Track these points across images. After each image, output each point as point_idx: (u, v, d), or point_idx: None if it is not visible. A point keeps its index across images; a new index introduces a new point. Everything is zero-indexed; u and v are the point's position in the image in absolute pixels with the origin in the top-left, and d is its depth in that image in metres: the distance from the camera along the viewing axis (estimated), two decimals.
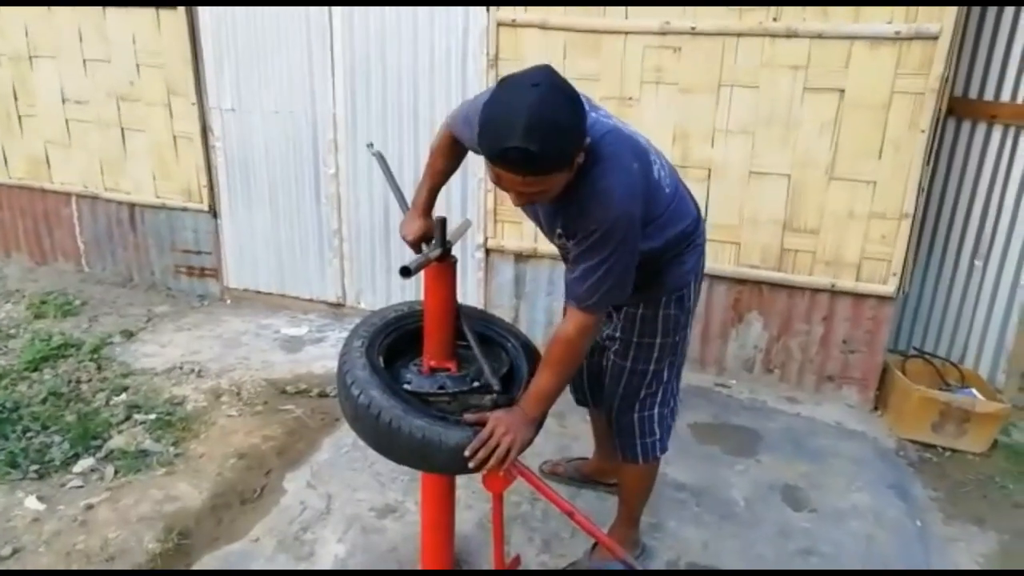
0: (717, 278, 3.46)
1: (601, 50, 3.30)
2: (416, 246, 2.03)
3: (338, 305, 4.21)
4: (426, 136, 3.71)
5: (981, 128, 3.36)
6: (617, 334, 2.06)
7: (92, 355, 3.65)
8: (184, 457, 2.89)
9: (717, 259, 3.40)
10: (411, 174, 3.75)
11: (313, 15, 3.71)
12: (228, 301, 4.42)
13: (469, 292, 3.86)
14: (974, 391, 3.23)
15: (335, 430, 3.08)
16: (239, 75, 3.95)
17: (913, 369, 3.35)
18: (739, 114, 3.21)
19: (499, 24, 3.41)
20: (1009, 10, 3.19)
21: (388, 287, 4.07)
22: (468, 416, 1.74)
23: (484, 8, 3.41)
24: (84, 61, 4.22)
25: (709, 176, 3.33)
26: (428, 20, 3.54)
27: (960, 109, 3.34)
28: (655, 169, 1.81)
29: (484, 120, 1.50)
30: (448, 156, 2.07)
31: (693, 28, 3.14)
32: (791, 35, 3.04)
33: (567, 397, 2.30)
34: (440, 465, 1.77)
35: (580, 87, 1.58)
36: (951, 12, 2.84)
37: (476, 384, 1.91)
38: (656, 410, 2.13)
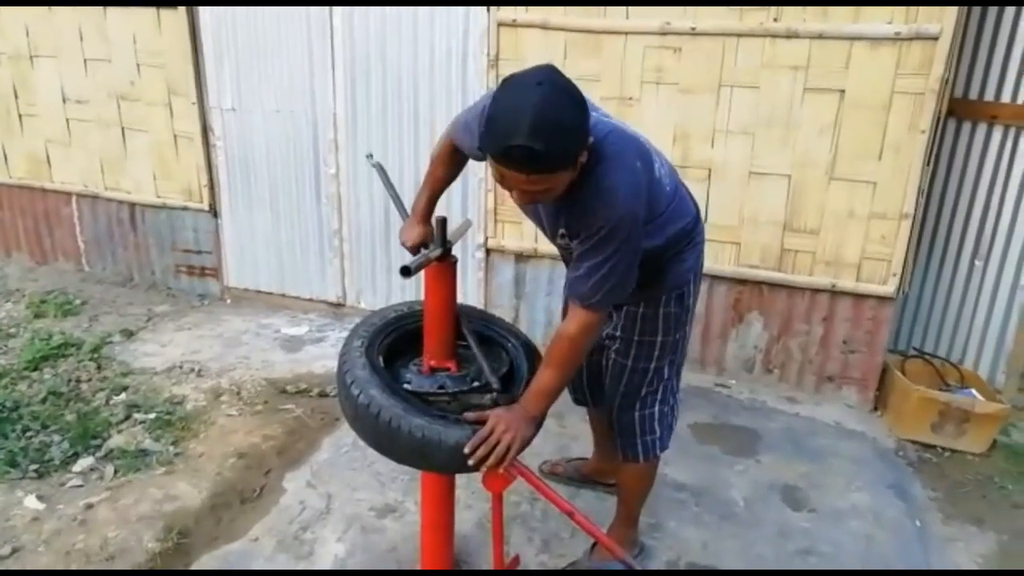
0: (717, 278, 3.46)
1: (601, 50, 3.30)
2: (415, 252, 2.04)
3: (338, 305, 4.21)
4: (426, 136, 3.71)
5: (981, 129, 3.36)
6: (618, 333, 2.06)
7: (92, 354, 3.65)
8: (184, 456, 2.89)
9: (717, 259, 3.40)
10: (411, 174, 3.76)
11: (313, 15, 3.71)
12: (228, 301, 4.42)
13: (469, 292, 3.86)
14: (974, 391, 3.23)
15: (335, 430, 3.09)
16: (239, 75, 3.95)
17: (913, 369, 3.35)
18: (739, 114, 3.21)
19: (499, 24, 3.41)
20: (1009, 10, 3.20)
21: (388, 287, 4.07)
22: (468, 415, 1.74)
23: (484, 8, 3.41)
24: (85, 61, 4.22)
25: (709, 176, 3.33)
26: (428, 20, 3.55)
27: (960, 110, 3.35)
28: (656, 168, 1.82)
29: (489, 118, 1.51)
30: (448, 164, 2.09)
31: (693, 28, 3.14)
32: (791, 36, 3.04)
33: (566, 397, 2.30)
34: (440, 464, 1.77)
35: (580, 87, 1.58)
36: (951, 13, 2.84)
37: (476, 384, 1.92)
38: (656, 408, 2.14)
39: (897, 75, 2.96)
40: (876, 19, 2.94)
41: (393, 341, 2.01)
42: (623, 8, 3.23)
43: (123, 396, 3.29)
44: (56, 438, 2.94)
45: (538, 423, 1.80)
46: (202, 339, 3.92)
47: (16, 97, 4.50)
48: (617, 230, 1.65)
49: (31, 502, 2.59)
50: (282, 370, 3.61)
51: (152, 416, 3.12)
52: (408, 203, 2.21)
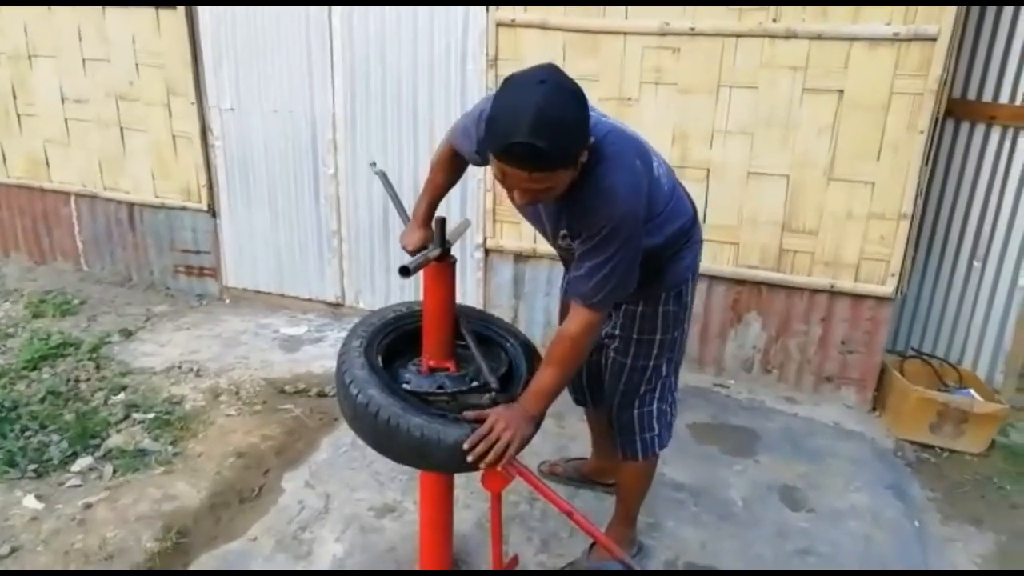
0: (716, 278, 3.46)
1: (600, 50, 3.30)
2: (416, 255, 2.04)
3: (337, 305, 4.21)
4: (425, 136, 3.71)
5: (980, 129, 3.36)
6: (617, 332, 2.07)
7: (91, 354, 3.65)
8: (182, 456, 2.89)
9: (716, 259, 3.41)
10: (409, 174, 3.76)
11: (313, 15, 3.71)
12: (227, 301, 4.42)
13: (468, 292, 3.86)
14: (972, 392, 3.23)
15: (334, 430, 3.09)
16: (238, 75, 3.95)
17: (911, 370, 3.36)
18: (738, 115, 3.21)
19: (498, 24, 3.41)
20: (1008, 11, 3.20)
21: (387, 287, 4.07)
22: (468, 413, 1.75)
23: (483, 8, 3.41)
24: (83, 61, 4.22)
25: (708, 176, 3.33)
26: (428, 20, 3.55)
27: (959, 110, 3.35)
28: (655, 167, 1.83)
29: (491, 117, 1.51)
30: (448, 170, 2.10)
31: (692, 29, 3.14)
32: (790, 36, 3.04)
33: (565, 397, 2.30)
34: (439, 463, 1.77)
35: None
36: (950, 13, 2.85)
37: (475, 384, 1.92)
38: (655, 406, 2.15)
39: (896, 75, 2.97)
40: (875, 19, 2.94)
41: (392, 341, 2.01)
42: (622, 8, 3.23)
43: (122, 396, 3.29)
44: (55, 438, 2.94)
45: (537, 422, 1.80)
46: (201, 339, 3.91)
47: (15, 97, 4.49)
48: (619, 230, 1.66)
49: (30, 502, 2.59)
50: (281, 370, 3.61)
51: (151, 416, 3.12)
52: (409, 208, 2.22)
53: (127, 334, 3.92)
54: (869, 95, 3.02)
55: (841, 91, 3.05)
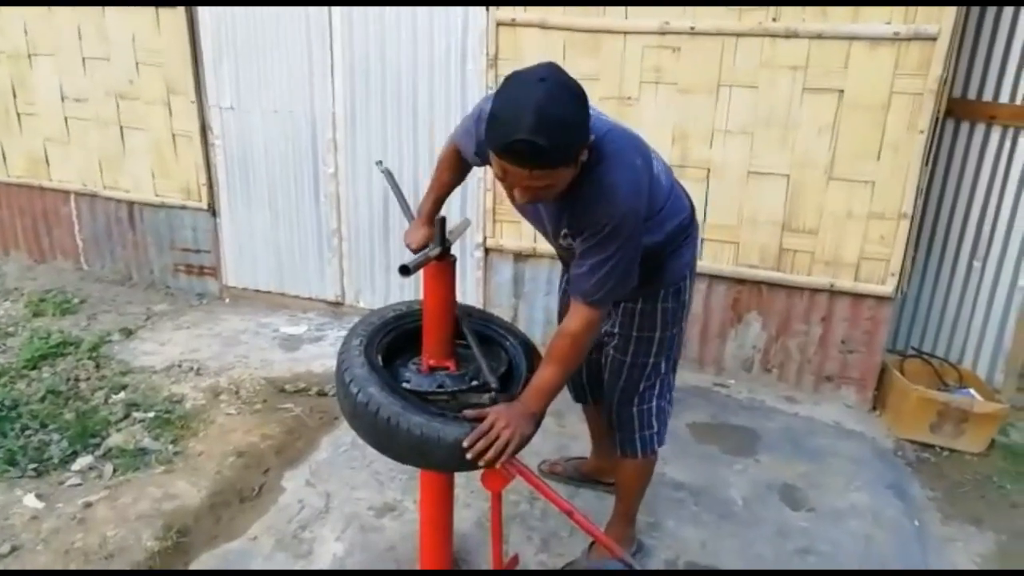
0: (716, 278, 3.47)
1: (600, 50, 3.30)
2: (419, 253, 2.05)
3: (337, 304, 4.21)
4: (425, 135, 3.71)
5: (980, 129, 3.37)
6: (616, 329, 2.07)
7: (91, 353, 3.65)
8: (183, 455, 2.89)
9: (716, 259, 3.41)
10: (409, 173, 3.76)
11: (313, 14, 3.71)
12: (227, 300, 4.42)
13: (468, 291, 3.86)
14: (972, 391, 3.23)
15: (334, 429, 3.09)
16: (238, 74, 3.95)
17: (911, 369, 3.36)
18: (738, 114, 3.21)
19: (498, 24, 3.41)
20: (1008, 10, 3.20)
21: (387, 286, 4.07)
22: (468, 412, 1.75)
23: (484, 8, 3.41)
24: (83, 59, 4.22)
25: (708, 176, 3.33)
26: (428, 20, 3.54)
27: (959, 110, 3.35)
28: (654, 165, 1.84)
29: (492, 114, 1.51)
30: (453, 169, 2.12)
31: (692, 28, 3.14)
32: (790, 35, 3.04)
33: (566, 396, 2.30)
34: (439, 462, 1.77)
35: None
36: (950, 13, 2.84)
37: (475, 383, 1.92)
38: (654, 403, 2.15)
39: (896, 75, 2.97)
40: (875, 19, 2.94)
41: (392, 340, 2.01)
42: (622, 8, 3.23)
43: (122, 395, 3.29)
44: (55, 437, 2.94)
45: (538, 420, 1.80)
46: (201, 338, 3.91)
47: (15, 96, 4.49)
48: (620, 228, 1.66)
49: (30, 501, 2.59)
50: (281, 369, 3.61)
51: (151, 415, 3.12)
52: (414, 205, 2.23)
53: (127, 333, 3.92)
54: (869, 95, 3.02)
55: (841, 91, 3.05)
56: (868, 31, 2.95)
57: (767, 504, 2.73)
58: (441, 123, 3.66)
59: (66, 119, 4.40)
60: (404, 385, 1.89)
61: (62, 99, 4.36)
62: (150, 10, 3.95)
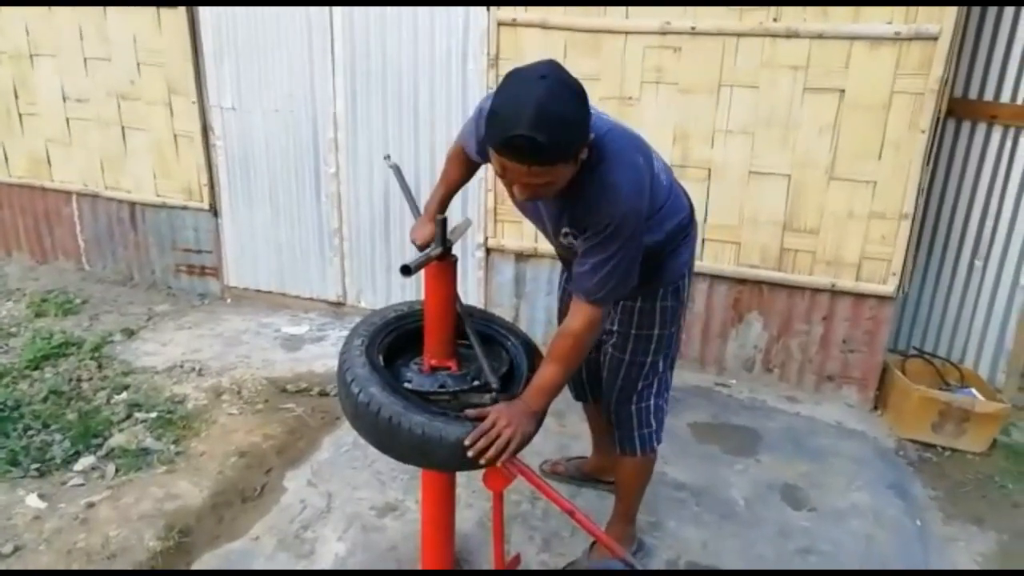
0: (717, 278, 3.47)
1: (601, 50, 3.30)
2: (425, 249, 2.05)
3: (338, 304, 4.21)
4: (426, 135, 3.71)
5: (981, 129, 3.36)
6: (615, 327, 2.08)
7: (93, 353, 3.65)
8: (185, 455, 2.89)
9: (717, 259, 3.41)
10: (411, 173, 3.76)
11: (313, 14, 3.71)
12: (228, 300, 4.42)
13: (469, 291, 3.86)
14: (974, 391, 3.23)
15: (335, 429, 3.09)
16: (240, 74, 3.95)
17: (913, 369, 3.36)
18: (739, 114, 3.21)
19: (499, 23, 3.41)
20: (1009, 10, 3.20)
21: (388, 286, 4.07)
22: (469, 411, 1.75)
23: (484, 8, 3.42)
24: (85, 60, 4.22)
25: (709, 176, 3.33)
26: (428, 19, 3.55)
27: (960, 110, 3.35)
28: (655, 164, 1.85)
29: (492, 111, 1.52)
30: (460, 167, 2.13)
31: (693, 28, 3.14)
32: (791, 35, 3.04)
33: (567, 395, 2.31)
34: (440, 461, 1.77)
35: None
36: (951, 13, 2.84)
37: (476, 383, 1.92)
38: (652, 401, 2.16)
39: (897, 75, 2.97)
40: (876, 19, 2.94)
41: (393, 340, 2.02)
42: (623, 8, 3.23)
43: (124, 395, 3.29)
44: (57, 437, 2.94)
45: (539, 419, 1.80)
46: (202, 338, 3.92)
47: (16, 96, 4.49)
48: (622, 227, 1.66)
49: (32, 501, 2.59)
50: (283, 369, 3.61)
51: (153, 415, 3.13)
52: (421, 202, 2.24)
53: (129, 333, 3.93)
54: (870, 94, 3.02)
55: (842, 91, 3.05)
56: (869, 31, 2.95)
57: (768, 504, 2.73)
58: (442, 123, 3.66)
59: (67, 119, 4.40)
60: (406, 385, 1.89)
61: (63, 99, 4.37)
62: (151, 10, 3.95)
